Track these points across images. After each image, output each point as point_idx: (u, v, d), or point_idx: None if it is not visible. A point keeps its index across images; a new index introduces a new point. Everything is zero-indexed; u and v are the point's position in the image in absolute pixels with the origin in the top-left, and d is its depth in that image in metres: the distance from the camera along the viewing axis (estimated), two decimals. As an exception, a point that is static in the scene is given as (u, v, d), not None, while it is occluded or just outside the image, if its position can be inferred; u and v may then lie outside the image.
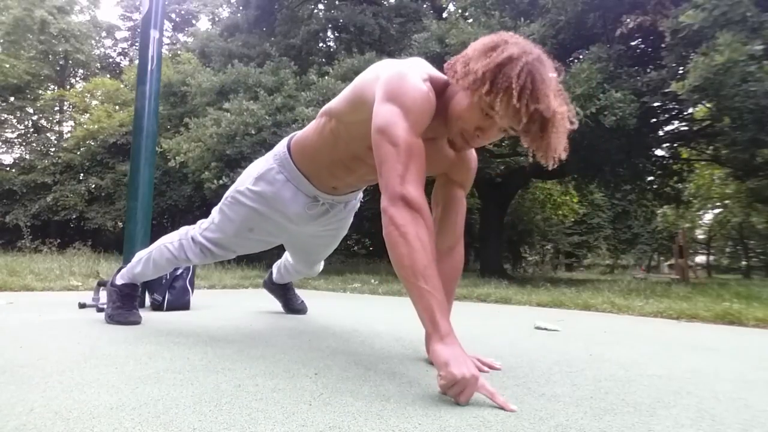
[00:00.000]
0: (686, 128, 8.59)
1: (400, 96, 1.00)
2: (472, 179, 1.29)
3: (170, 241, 1.66)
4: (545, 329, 2.03)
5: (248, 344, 1.44)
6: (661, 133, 8.22)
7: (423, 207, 0.97)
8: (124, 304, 1.78)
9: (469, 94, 0.99)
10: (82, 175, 14.93)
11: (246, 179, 1.48)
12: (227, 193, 1.54)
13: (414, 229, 0.94)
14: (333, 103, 1.26)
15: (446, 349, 0.89)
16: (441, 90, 1.08)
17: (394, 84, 1.02)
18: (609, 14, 6.62)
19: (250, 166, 1.54)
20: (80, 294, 3.06)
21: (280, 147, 1.45)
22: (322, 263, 2.05)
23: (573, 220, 18.86)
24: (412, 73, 1.03)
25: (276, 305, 2.38)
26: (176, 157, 9.48)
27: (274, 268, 2.22)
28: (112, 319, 1.76)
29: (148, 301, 2.42)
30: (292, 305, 2.30)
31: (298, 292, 2.40)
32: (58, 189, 14.21)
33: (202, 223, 1.63)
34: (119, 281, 1.80)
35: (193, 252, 1.60)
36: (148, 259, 1.72)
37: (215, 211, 1.58)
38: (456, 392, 0.87)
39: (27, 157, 16.47)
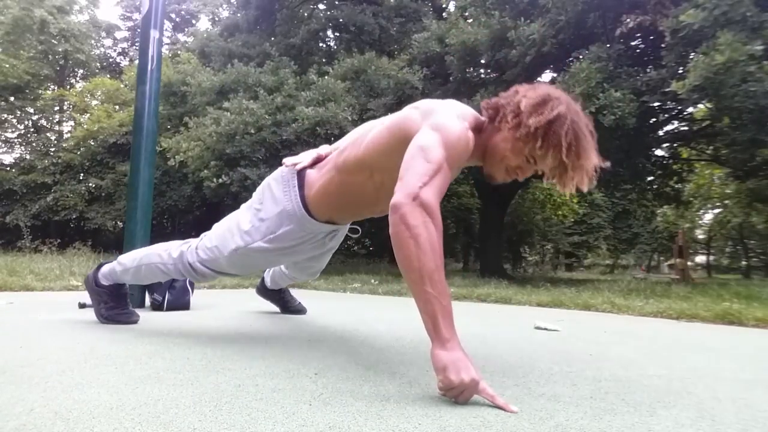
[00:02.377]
0: (686, 128, 8.59)
1: (448, 133, 1.05)
2: None
3: (162, 262, 1.56)
4: (545, 329, 2.03)
5: (248, 344, 1.44)
6: (660, 133, 8.22)
7: (436, 213, 0.97)
8: (119, 304, 1.75)
9: (519, 144, 1.08)
10: (82, 175, 14.93)
11: (256, 234, 1.37)
12: (234, 244, 1.40)
13: (425, 231, 0.94)
14: (373, 158, 1.21)
15: (445, 354, 0.89)
16: (479, 128, 1.15)
17: (444, 122, 1.07)
18: (609, 14, 6.63)
19: (252, 218, 1.40)
20: (80, 294, 3.05)
21: (294, 206, 1.33)
22: None
23: (573, 220, 18.87)
24: (460, 119, 1.10)
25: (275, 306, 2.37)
26: (176, 157, 9.48)
27: (266, 276, 2.17)
28: (110, 320, 1.74)
29: (148, 301, 2.42)
30: (290, 306, 2.29)
31: (298, 292, 2.39)
32: (58, 189, 14.20)
33: (200, 250, 1.48)
34: (105, 282, 1.73)
35: (191, 275, 1.54)
36: (137, 271, 1.63)
37: (219, 252, 1.43)
38: (454, 395, 0.88)
39: (27, 157, 16.47)
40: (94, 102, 16.67)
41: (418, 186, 0.97)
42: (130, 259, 1.66)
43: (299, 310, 2.29)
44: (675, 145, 9.15)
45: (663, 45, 6.08)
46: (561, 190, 1.10)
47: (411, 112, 1.15)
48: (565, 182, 1.08)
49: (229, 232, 1.43)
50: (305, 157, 1.41)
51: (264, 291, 2.27)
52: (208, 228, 1.57)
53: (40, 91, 17.01)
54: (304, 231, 1.37)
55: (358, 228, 1.60)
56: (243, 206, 1.49)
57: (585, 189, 1.08)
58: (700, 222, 23.23)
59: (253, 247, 1.38)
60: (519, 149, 1.08)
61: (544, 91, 1.09)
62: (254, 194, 1.47)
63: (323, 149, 1.45)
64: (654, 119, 7.35)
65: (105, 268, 1.74)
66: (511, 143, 1.09)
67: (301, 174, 1.37)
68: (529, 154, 1.08)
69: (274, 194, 1.38)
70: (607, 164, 1.09)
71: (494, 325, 2.23)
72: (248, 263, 1.46)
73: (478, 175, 9.14)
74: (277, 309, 2.34)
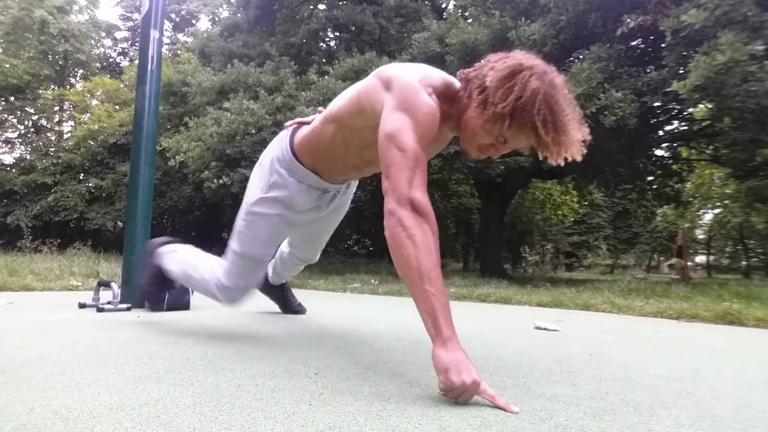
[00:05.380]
0: (686, 128, 8.59)
1: (413, 108, 1.03)
2: None
3: (205, 289, 1.56)
4: (545, 329, 2.03)
5: (248, 344, 1.44)
6: (661, 133, 8.22)
7: (430, 212, 0.99)
8: (156, 287, 1.83)
9: (488, 124, 1.02)
10: (82, 175, 14.93)
11: (255, 191, 1.45)
12: (240, 216, 1.47)
13: (421, 232, 0.96)
14: (341, 111, 1.26)
15: (447, 354, 0.89)
16: (451, 96, 1.10)
17: (407, 95, 1.04)
18: (610, 14, 6.63)
19: (253, 180, 1.50)
20: (80, 294, 3.06)
21: (283, 152, 1.42)
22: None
23: (573, 220, 18.87)
24: (422, 88, 1.06)
25: (276, 305, 2.37)
26: (176, 157, 9.48)
27: (269, 269, 2.14)
28: (144, 295, 1.83)
29: (148, 301, 2.42)
30: (290, 306, 2.28)
31: (298, 292, 2.39)
32: (59, 189, 14.20)
33: (221, 273, 1.50)
34: (169, 266, 1.70)
35: (228, 297, 1.51)
36: (186, 283, 1.69)
37: (233, 245, 1.46)
38: (455, 396, 0.88)
39: (27, 157, 16.48)
40: (94, 102, 16.68)
41: (407, 188, 0.98)
42: (180, 272, 1.66)
43: (298, 311, 2.29)
44: (675, 145, 9.16)
45: (664, 45, 6.08)
46: (553, 160, 1.03)
47: (374, 81, 1.14)
48: (550, 156, 1.01)
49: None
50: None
51: (267, 288, 2.24)
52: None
53: (40, 91, 17.02)
54: (294, 177, 1.41)
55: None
56: None
57: (578, 158, 1.01)
58: (700, 222, 23.23)
59: (254, 200, 1.43)
60: (488, 129, 1.03)
61: (514, 61, 1.00)
62: None
63: None
64: (654, 119, 7.35)
65: (165, 251, 1.74)
66: (480, 121, 1.04)
67: (295, 129, 1.45)
68: (499, 134, 1.02)
69: (269, 151, 1.48)
70: (586, 132, 1.02)
71: (494, 325, 2.23)
72: (257, 237, 1.44)
73: (478, 175, 9.13)
74: (277, 309, 2.34)
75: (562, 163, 1.03)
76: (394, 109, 1.04)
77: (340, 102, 1.27)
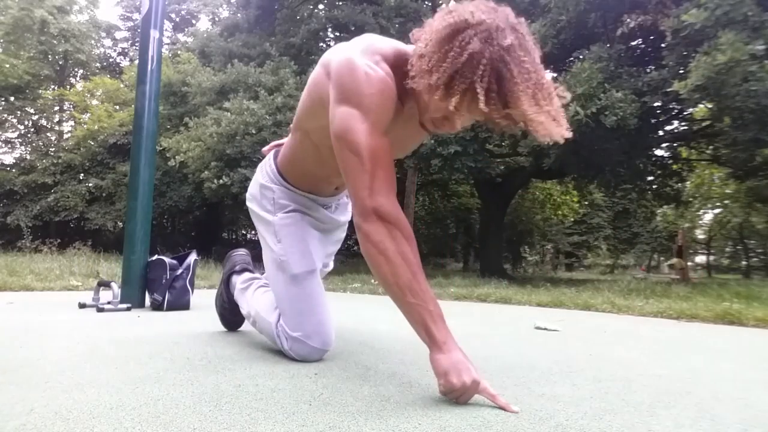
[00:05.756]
0: (686, 128, 8.60)
1: (356, 93, 0.91)
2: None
3: (273, 339, 1.28)
4: (545, 329, 2.03)
5: (248, 344, 1.44)
6: (661, 133, 8.23)
7: (397, 217, 0.92)
8: (230, 312, 1.62)
9: (426, 96, 0.88)
10: (82, 175, 14.93)
11: (267, 219, 1.30)
12: (269, 248, 1.28)
13: (392, 243, 0.91)
14: (300, 115, 1.17)
15: (444, 357, 0.88)
16: (403, 67, 0.93)
17: (345, 78, 0.93)
18: (610, 14, 6.64)
19: (258, 215, 1.34)
20: (80, 294, 3.06)
21: (270, 175, 1.32)
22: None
23: (573, 219, 18.89)
24: (362, 60, 0.93)
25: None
26: (176, 157, 9.49)
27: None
28: (219, 315, 1.68)
29: (148, 301, 2.43)
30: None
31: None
32: (59, 189, 14.20)
33: (282, 319, 1.25)
34: (240, 302, 1.49)
35: (295, 349, 1.22)
36: (254, 323, 1.38)
37: (268, 270, 1.29)
38: (455, 396, 0.88)
39: (27, 157, 16.49)
40: (94, 102, 16.69)
41: (367, 197, 0.91)
42: (247, 314, 1.43)
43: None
44: (675, 145, 9.17)
45: (664, 45, 6.09)
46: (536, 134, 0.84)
47: (319, 71, 1.04)
48: (532, 130, 0.83)
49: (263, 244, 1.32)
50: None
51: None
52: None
53: (40, 91, 17.02)
54: (284, 193, 1.30)
55: None
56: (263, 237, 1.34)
57: (552, 136, 0.82)
58: (700, 222, 23.24)
59: (273, 222, 1.27)
60: (431, 102, 0.88)
61: (457, 17, 0.81)
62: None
63: None
64: (655, 119, 7.36)
65: (236, 284, 1.53)
66: (422, 93, 0.88)
67: (277, 152, 1.37)
68: (444, 106, 0.85)
69: (257, 180, 1.38)
70: (550, 104, 0.81)
71: (494, 325, 2.23)
72: (292, 245, 1.25)
73: (478, 175, 9.13)
74: None
75: (549, 141, 0.85)
76: (337, 103, 0.93)
77: (298, 110, 1.18)
